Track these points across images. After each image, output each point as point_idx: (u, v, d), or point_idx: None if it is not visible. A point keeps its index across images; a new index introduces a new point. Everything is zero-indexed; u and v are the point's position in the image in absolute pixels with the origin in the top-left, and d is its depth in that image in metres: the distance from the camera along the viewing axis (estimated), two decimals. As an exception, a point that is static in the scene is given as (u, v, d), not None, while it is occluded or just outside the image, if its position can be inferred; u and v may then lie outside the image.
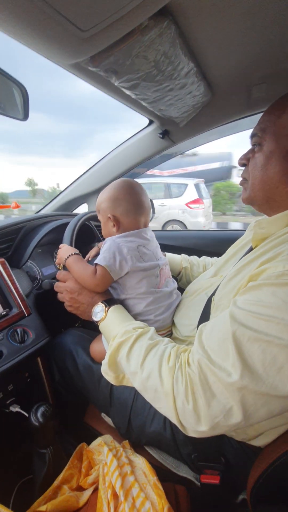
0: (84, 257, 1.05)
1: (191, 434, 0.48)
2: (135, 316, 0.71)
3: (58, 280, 0.79)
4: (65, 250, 0.78)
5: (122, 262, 0.70)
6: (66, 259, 0.76)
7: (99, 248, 0.94)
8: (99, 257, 0.72)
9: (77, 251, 0.78)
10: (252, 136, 0.63)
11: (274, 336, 0.42)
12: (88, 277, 0.70)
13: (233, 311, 0.48)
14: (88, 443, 0.74)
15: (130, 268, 0.70)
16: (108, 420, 0.80)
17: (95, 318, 0.69)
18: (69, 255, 0.76)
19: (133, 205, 0.76)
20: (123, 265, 0.70)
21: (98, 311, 0.69)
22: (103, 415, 0.83)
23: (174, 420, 0.49)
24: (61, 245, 0.82)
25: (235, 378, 0.42)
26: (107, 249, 0.72)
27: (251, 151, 0.63)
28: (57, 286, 0.78)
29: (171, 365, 0.50)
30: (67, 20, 0.48)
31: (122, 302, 0.73)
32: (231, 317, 0.47)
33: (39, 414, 0.64)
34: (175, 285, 0.83)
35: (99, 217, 0.81)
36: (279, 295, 0.44)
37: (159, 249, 0.83)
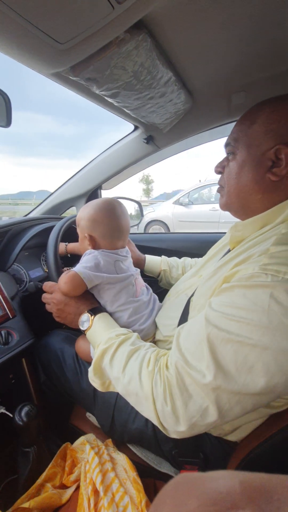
0: (70, 259, 1.07)
1: (172, 435, 0.50)
2: None
3: (43, 282, 0.81)
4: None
5: (97, 272, 0.73)
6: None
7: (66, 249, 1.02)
8: (77, 265, 0.75)
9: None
10: (226, 145, 0.65)
11: (245, 337, 0.43)
12: (61, 283, 0.73)
13: (208, 313, 0.49)
14: (73, 443, 0.76)
15: (106, 278, 0.73)
16: (93, 420, 0.82)
17: (82, 327, 0.71)
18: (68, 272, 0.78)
19: (111, 230, 0.79)
20: (98, 275, 0.72)
21: (84, 320, 0.71)
22: (88, 415, 0.85)
23: (155, 422, 0.50)
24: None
25: (209, 379, 0.44)
26: (85, 260, 0.75)
27: (226, 159, 0.65)
28: (44, 297, 0.80)
29: (151, 369, 0.52)
30: (45, 34, 0.50)
31: None
32: (206, 320, 0.48)
33: (23, 414, 0.66)
34: (150, 291, 0.87)
35: (78, 231, 0.83)
36: (249, 297, 0.45)
37: (132, 264, 0.86)
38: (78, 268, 0.73)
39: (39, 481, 0.65)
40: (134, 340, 0.62)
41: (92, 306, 0.73)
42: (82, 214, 0.80)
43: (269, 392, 0.43)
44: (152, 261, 1.07)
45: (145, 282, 0.89)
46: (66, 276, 0.72)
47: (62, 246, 1.03)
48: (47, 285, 0.80)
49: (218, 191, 0.70)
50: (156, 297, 0.88)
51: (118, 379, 0.56)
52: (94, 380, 0.62)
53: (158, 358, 0.54)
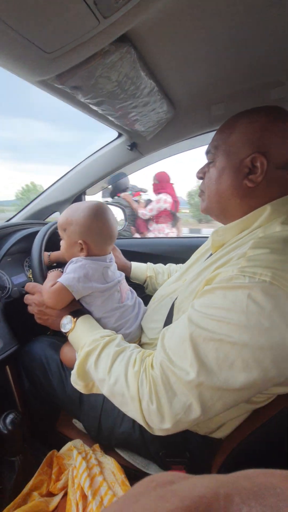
0: (55, 266, 1.06)
1: (157, 433, 0.52)
2: None
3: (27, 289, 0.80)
4: (54, 276, 0.77)
5: (86, 284, 0.72)
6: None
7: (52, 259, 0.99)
8: (63, 276, 0.73)
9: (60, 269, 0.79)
10: (207, 152, 0.68)
11: (225, 335, 0.46)
12: (47, 290, 0.71)
13: (190, 314, 0.52)
14: (60, 450, 0.75)
15: (96, 289, 0.73)
16: (80, 425, 0.81)
17: (64, 329, 0.71)
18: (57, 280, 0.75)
19: (105, 237, 0.78)
20: (87, 286, 0.72)
21: (67, 323, 0.70)
22: (74, 421, 0.84)
23: (141, 421, 0.52)
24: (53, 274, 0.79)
25: (192, 376, 0.46)
26: (72, 270, 0.72)
27: (207, 166, 0.69)
28: (26, 298, 0.79)
29: (137, 370, 0.53)
30: (31, 43, 0.51)
31: None
32: (189, 320, 0.51)
33: (7, 422, 0.64)
34: (135, 294, 0.87)
35: (62, 235, 0.80)
36: (228, 298, 0.48)
37: (116, 269, 0.86)
38: (66, 279, 0.71)
39: (25, 490, 0.63)
40: (119, 342, 0.63)
41: (74, 308, 0.73)
42: (72, 218, 0.76)
43: (249, 387, 0.46)
44: (138, 268, 1.09)
45: (130, 286, 0.89)
46: (52, 289, 0.70)
47: (45, 256, 1.00)
48: (29, 285, 0.79)
49: (199, 195, 0.73)
50: (141, 300, 0.89)
51: (103, 380, 0.57)
52: (77, 382, 0.62)
53: (144, 359, 0.56)
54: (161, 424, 0.50)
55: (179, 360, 0.49)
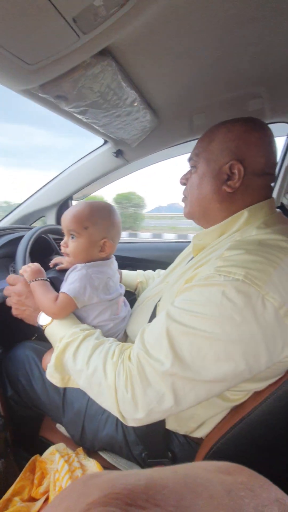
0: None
1: (130, 423, 0.53)
2: None
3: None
4: (34, 273, 0.73)
5: (92, 295, 0.70)
6: (32, 281, 0.72)
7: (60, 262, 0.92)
8: (67, 286, 0.70)
9: (46, 277, 0.74)
10: (189, 159, 0.72)
11: (199, 329, 0.48)
12: (49, 304, 0.68)
13: (169, 310, 0.54)
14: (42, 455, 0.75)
15: (98, 299, 0.72)
16: (63, 430, 0.81)
17: (41, 322, 0.70)
18: (37, 279, 0.72)
19: (118, 234, 0.79)
20: (92, 297, 0.71)
21: (45, 315, 0.70)
22: (58, 426, 0.84)
23: (115, 411, 0.53)
24: (31, 265, 0.75)
25: (167, 367, 0.48)
26: (78, 280, 0.70)
27: (189, 172, 0.72)
28: (6, 289, 0.77)
29: (115, 360, 0.55)
30: (13, 55, 0.53)
31: None
32: (167, 315, 0.53)
33: (-12, 427, 0.64)
34: (128, 307, 0.87)
35: (80, 234, 0.73)
36: (204, 294, 0.51)
37: (118, 280, 0.85)
38: (73, 290, 0.68)
39: (6, 496, 0.63)
40: (98, 335, 0.65)
41: None
42: (98, 216, 0.74)
43: (219, 380, 0.48)
44: (128, 275, 1.10)
45: (124, 297, 0.87)
46: (60, 303, 0.68)
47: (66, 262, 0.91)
48: (11, 277, 0.77)
49: (183, 200, 0.76)
50: (130, 310, 0.88)
51: (81, 371, 0.58)
52: (53, 375, 0.63)
53: (122, 351, 0.57)
54: (134, 413, 0.51)
55: (155, 352, 0.51)
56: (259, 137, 0.63)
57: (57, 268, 0.91)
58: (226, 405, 0.61)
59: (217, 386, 0.50)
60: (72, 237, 0.74)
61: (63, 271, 0.91)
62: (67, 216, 0.74)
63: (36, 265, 0.75)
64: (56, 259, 0.93)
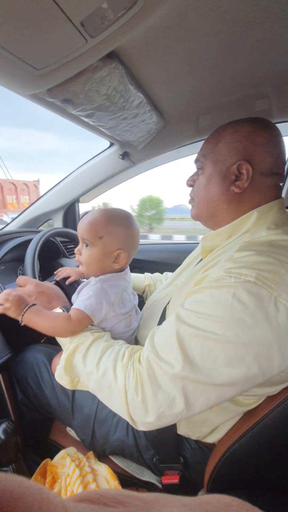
0: (48, 273, 1.07)
1: (140, 427, 0.53)
2: None
3: None
4: (18, 303, 0.64)
5: (108, 310, 0.68)
6: (23, 314, 0.64)
7: (72, 274, 0.91)
8: (83, 302, 0.66)
9: (31, 303, 0.66)
10: (196, 161, 0.71)
11: (210, 332, 0.48)
12: (62, 325, 0.63)
13: (179, 312, 0.54)
14: (53, 459, 0.74)
15: (114, 314, 0.70)
16: (74, 434, 0.81)
17: None
18: (26, 309, 0.64)
19: (137, 247, 0.76)
20: (108, 312, 0.68)
21: None
22: (68, 429, 0.83)
23: (125, 415, 0.53)
24: (10, 296, 0.65)
25: (177, 370, 0.48)
26: (93, 295, 0.66)
27: (196, 174, 0.72)
28: (17, 291, 0.74)
29: (125, 363, 0.55)
30: (22, 60, 0.54)
31: None
32: (177, 317, 0.53)
33: (0, 431, 0.64)
34: (139, 315, 0.85)
35: (94, 243, 0.70)
36: (215, 296, 0.50)
37: (132, 289, 0.83)
38: (90, 307, 0.64)
39: (17, 500, 0.63)
40: (108, 338, 0.65)
41: (64, 305, 0.73)
42: (114, 225, 0.70)
43: (231, 384, 0.48)
44: (137, 278, 1.09)
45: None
46: (75, 321, 0.64)
47: (76, 274, 0.90)
48: (20, 279, 0.76)
49: (190, 202, 0.75)
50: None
51: (91, 373, 0.58)
52: (62, 377, 0.63)
53: (132, 354, 0.57)
54: (144, 417, 0.51)
55: (165, 355, 0.50)
56: (266, 136, 0.62)
57: (66, 282, 0.90)
58: (239, 410, 0.60)
59: (229, 390, 0.49)
60: (86, 246, 0.71)
61: (66, 279, 0.91)
62: (82, 223, 0.72)
63: (15, 295, 0.65)
64: (64, 272, 0.92)
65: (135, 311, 0.82)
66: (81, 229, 0.71)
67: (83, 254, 0.72)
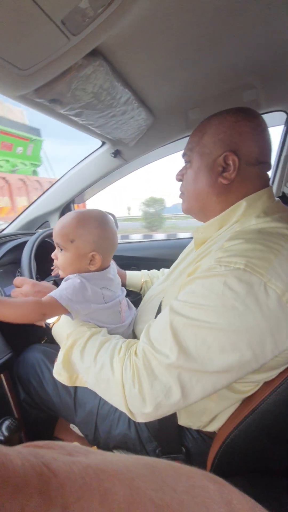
0: (46, 273, 1.07)
1: (139, 418, 0.53)
2: None
3: None
4: None
5: (84, 304, 0.67)
6: None
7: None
8: (58, 291, 0.65)
9: None
10: (183, 155, 0.72)
11: (203, 321, 0.48)
12: (33, 309, 0.60)
13: (172, 304, 0.54)
14: (57, 456, 0.75)
15: (92, 309, 0.69)
16: (77, 430, 0.82)
17: (49, 320, 0.71)
18: None
19: (114, 247, 0.75)
20: (84, 306, 0.67)
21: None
22: (72, 426, 0.84)
23: (123, 407, 0.53)
24: None
25: (172, 359, 0.48)
26: (71, 287, 0.66)
27: (185, 168, 0.72)
28: (13, 291, 0.74)
29: (121, 356, 0.55)
30: (6, 61, 0.54)
31: None
32: (170, 309, 0.53)
33: (3, 428, 0.65)
34: (133, 310, 0.85)
35: (67, 247, 0.71)
36: (206, 285, 0.51)
37: (120, 285, 0.82)
38: (64, 298, 0.63)
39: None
40: (105, 333, 0.66)
41: None
42: (84, 228, 0.69)
43: (226, 371, 0.48)
44: (133, 275, 1.10)
45: (127, 299, 0.86)
46: (46, 303, 0.62)
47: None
48: (17, 279, 0.76)
49: (180, 197, 0.76)
50: (136, 311, 0.87)
51: (89, 368, 0.58)
52: (61, 373, 0.63)
53: (129, 347, 0.58)
54: (142, 407, 0.51)
55: (160, 346, 0.51)
56: (251, 126, 0.62)
57: (63, 281, 0.90)
58: (237, 397, 0.61)
59: (224, 377, 0.49)
60: (61, 250, 0.72)
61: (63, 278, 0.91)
62: (55, 228, 0.72)
63: None
64: (57, 269, 0.90)
65: (126, 307, 0.82)
66: (54, 234, 0.71)
67: (59, 258, 0.73)
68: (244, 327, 0.46)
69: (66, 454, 0.16)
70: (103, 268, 0.75)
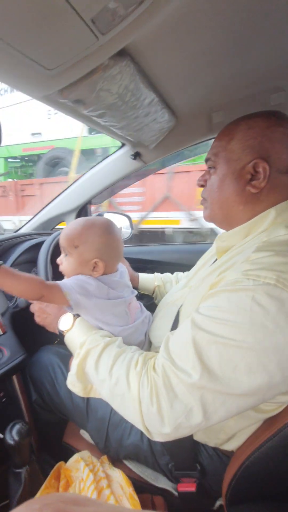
0: (62, 275, 1.07)
1: (156, 438, 0.50)
2: None
3: None
4: None
5: (86, 297, 0.68)
6: None
7: None
8: (62, 281, 0.69)
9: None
10: (207, 160, 0.69)
11: (229, 338, 0.45)
12: (33, 285, 0.63)
13: (194, 317, 0.51)
14: (67, 462, 0.74)
15: (94, 303, 0.69)
16: (87, 437, 0.80)
17: (62, 327, 0.70)
18: None
19: (119, 254, 0.77)
20: (86, 299, 0.68)
21: (66, 320, 0.70)
22: (82, 432, 0.83)
23: (139, 425, 0.51)
24: None
25: (195, 379, 0.45)
26: (75, 279, 0.69)
27: (208, 173, 0.69)
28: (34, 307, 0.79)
29: (138, 370, 0.53)
30: (33, 61, 0.53)
31: None
32: (192, 323, 0.50)
33: (14, 432, 0.64)
34: (145, 313, 0.84)
35: (71, 252, 0.72)
36: (232, 300, 0.48)
37: (128, 287, 0.82)
38: (66, 284, 0.66)
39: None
40: (120, 343, 0.63)
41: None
42: (88, 235, 0.71)
43: (253, 393, 0.45)
44: (146, 278, 1.08)
45: (139, 302, 0.85)
46: (45, 285, 0.65)
47: None
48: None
49: (202, 203, 0.73)
50: (150, 314, 0.86)
51: (103, 381, 0.56)
52: (75, 384, 0.62)
53: (146, 361, 0.55)
54: (160, 428, 0.48)
55: (182, 363, 0.48)
56: (283, 132, 0.59)
57: None
58: (258, 417, 0.58)
59: (251, 400, 0.46)
60: (66, 255, 0.73)
61: None
62: (62, 233, 0.74)
63: None
64: None
65: (137, 309, 0.81)
66: (60, 239, 0.73)
67: (63, 263, 0.74)
68: (274, 346, 0.43)
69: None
70: (108, 273, 0.76)
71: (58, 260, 0.76)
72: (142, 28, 0.56)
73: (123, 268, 0.83)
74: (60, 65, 0.56)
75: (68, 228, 0.74)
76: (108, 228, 0.74)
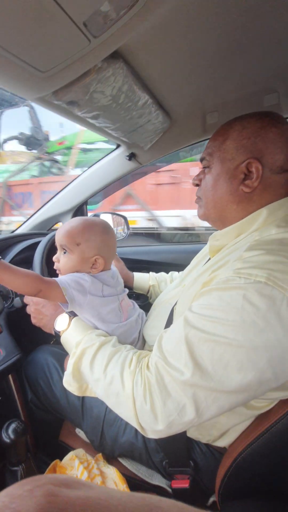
0: (57, 275, 1.07)
1: (150, 435, 0.51)
2: None
3: None
4: None
5: (81, 293, 0.69)
6: None
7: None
8: (60, 277, 0.70)
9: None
10: (201, 159, 0.70)
11: (221, 336, 0.46)
12: (31, 280, 0.64)
13: (187, 316, 0.52)
14: (62, 460, 0.74)
15: (89, 299, 0.70)
16: (83, 435, 0.81)
17: (58, 328, 0.70)
18: None
19: (114, 252, 0.81)
20: (81, 295, 0.69)
21: (61, 321, 0.71)
22: (77, 430, 0.83)
23: (134, 423, 0.51)
24: None
25: (187, 376, 0.46)
26: (71, 275, 0.71)
27: (202, 173, 0.70)
28: (26, 298, 0.79)
29: (132, 369, 0.54)
30: (26, 63, 0.54)
31: None
32: (185, 321, 0.51)
33: (10, 431, 0.64)
34: (137, 310, 0.85)
35: (72, 250, 0.73)
36: (224, 298, 0.48)
37: (120, 284, 0.83)
38: (62, 281, 0.68)
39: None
40: (115, 343, 0.64)
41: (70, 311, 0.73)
42: (90, 233, 0.73)
43: (244, 389, 0.46)
44: (141, 278, 1.09)
45: (131, 300, 0.87)
46: (42, 281, 0.66)
47: None
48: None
49: (196, 202, 0.74)
50: (142, 312, 0.87)
51: (98, 380, 0.57)
52: (71, 383, 0.62)
53: (140, 359, 0.56)
54: (154, 425, 0.49)
55: (174, 361, 0.49)
56: (277, 132, 0.60)
57: None
58: (250, 413, 0.58)
59: (242, 396, 0.47)
60: (64, 252, 0.74)
61: None
62: (60, 231, 0.74)
63: None
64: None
65: (130, 307, 0.82)
66: (60, 237, 0.74)
67: (61, 261, 0.75)
68: (265, 344, 0.44)
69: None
70: (104, 271, 0.78)
71: (55, 258, 0.77)
72: (135, 31, 0.57)
73: (114, 267, 0.86)
74: (53, 67, 0.56)
75: (67, 226, 0.74)
76: (107, 228, 0.78)
